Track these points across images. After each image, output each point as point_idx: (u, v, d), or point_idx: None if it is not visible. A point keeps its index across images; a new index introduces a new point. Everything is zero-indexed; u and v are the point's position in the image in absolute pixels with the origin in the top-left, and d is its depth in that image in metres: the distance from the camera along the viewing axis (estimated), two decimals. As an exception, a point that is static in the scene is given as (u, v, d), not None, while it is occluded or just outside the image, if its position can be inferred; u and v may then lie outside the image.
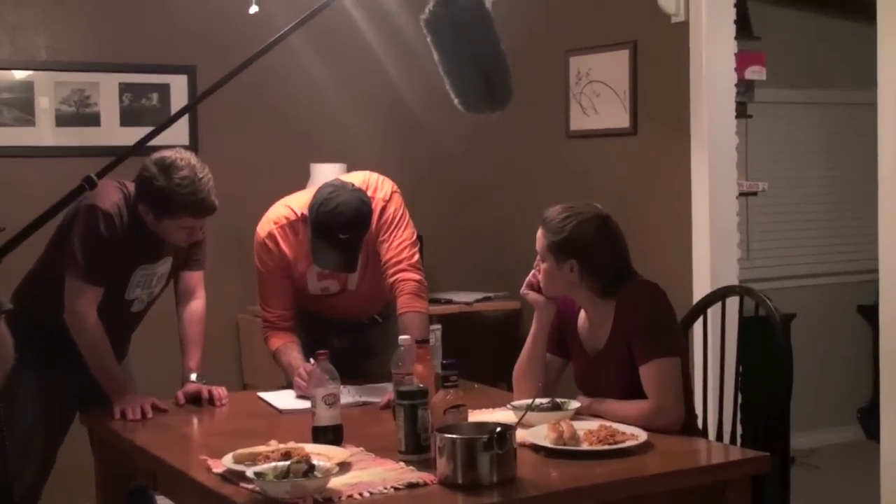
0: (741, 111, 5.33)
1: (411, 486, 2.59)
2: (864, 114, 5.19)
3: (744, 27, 5.57)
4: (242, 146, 5.54)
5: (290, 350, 3.79)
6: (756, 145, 6.39)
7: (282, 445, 2.80)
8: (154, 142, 3.41)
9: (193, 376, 3.69)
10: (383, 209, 3.79)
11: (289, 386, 3.75)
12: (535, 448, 2.86)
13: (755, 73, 5.53)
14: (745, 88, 5.49)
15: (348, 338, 4.01)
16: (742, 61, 5.22)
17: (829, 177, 6.88)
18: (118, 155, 2.38)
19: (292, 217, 3.79)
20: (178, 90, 5.36)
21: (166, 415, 3.50)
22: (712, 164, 4.88)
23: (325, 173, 4.99)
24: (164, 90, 5.36)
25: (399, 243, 3.78)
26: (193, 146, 5.21)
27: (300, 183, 4.90)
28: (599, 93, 5.38)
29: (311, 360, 3.58)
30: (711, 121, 4.88)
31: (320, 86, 5.70)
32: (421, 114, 5.69)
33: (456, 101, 2.47)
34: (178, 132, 5.28)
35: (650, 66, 5.15)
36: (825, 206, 6.89)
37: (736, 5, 4.97)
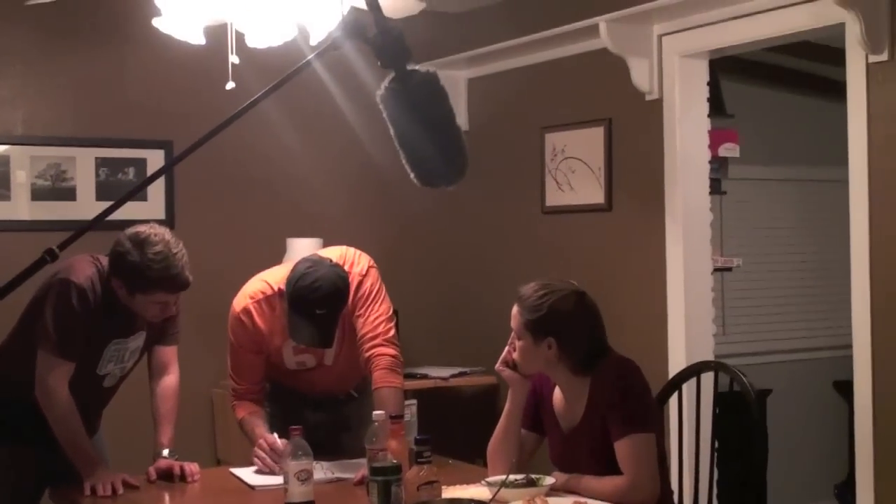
0: (715, 187, 5.34)
1: (384, 563, 2.56)
2: (835, 190, 5.23)
3: (717, 105, 5.62)
4: (219, 221, 5.55)
5: (255, 420, 3.79)
6: (730, 221, 6.42)
7: (253, 522, 2.78)
8: (129, 216, 3.44)
9: (165, 452, 3.65)
10: (360, 284, 3.78)
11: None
12: (510, 525, 2.83)
13: (728, 150, 5.54)
14: (718, 165, 5.49)
15: (323, 413, 3.98)
16: (715, 138, 5.24)
17: (803, 252, 6.93)
18: (95, 228, 2.37)
19: (269, 292, 3.78)
20: (155, 165, 5.37)
21: (137, 491, 3.46)
22: (687, 239, 4.89)
23: (302, 248, 5.00)
24: (140, 165, 5.37)
25: (375, 318, 3.76)
26: (170, 221, 5.26)
27: (276, 258, 4.89)
28: (575, 169, 5.41)
29: (275, 435, 3.59)
30: (686, 197, 4.91)
31: (296, 161, 5.73)
32: (397, 189, 5.67)
33: (412, 175, 2.52)
34: (155, 207, 5.31)
35: (625, 143, 5.18)
36: (800, 282, 6.93)
37: (709, 83, 5.02)
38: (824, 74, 6.41)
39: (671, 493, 3.30)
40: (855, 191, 4.21)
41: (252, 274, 3.92)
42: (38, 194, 5.19)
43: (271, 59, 3.99)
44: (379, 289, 3.82)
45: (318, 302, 3.57)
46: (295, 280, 3.62)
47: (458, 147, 2.55)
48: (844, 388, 5.87)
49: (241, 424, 3.83)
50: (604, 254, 5.26)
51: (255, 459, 3.66)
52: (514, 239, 5.83)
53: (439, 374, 5.73)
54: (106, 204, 2.18)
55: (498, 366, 3.35)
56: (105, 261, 3.55)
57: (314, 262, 3.67)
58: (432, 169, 2.53)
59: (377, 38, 2.34)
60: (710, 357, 4.77)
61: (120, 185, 5.29)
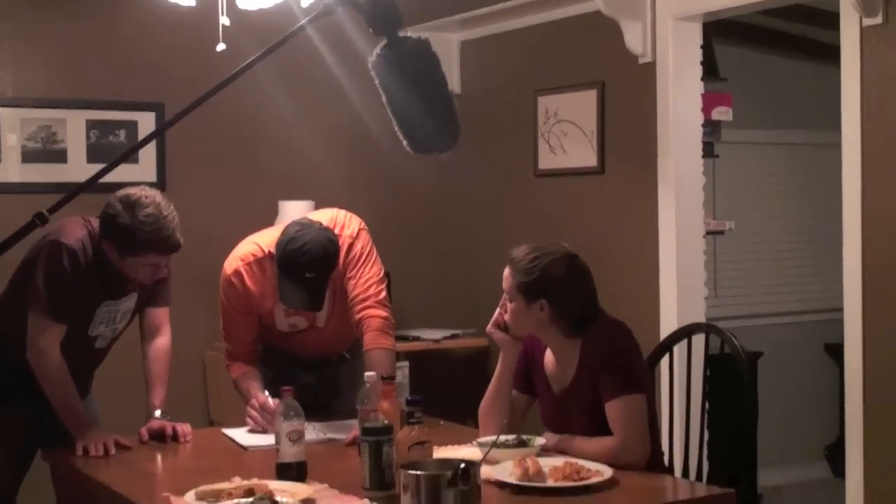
0: (708, 151, 5.35)
1: (375, 522, 2.57)
2: (828, 154, 5.24)
3: (710, 68, 5.61)
4: (211, 183, 5.54)
5: (249, 379, 3.81)
6: (723, 185, 6.44)
7: (245, 482, 2.79)
8: (120, 179, 3.44)
9: (157, 413, 3.66)
10: (350, 246, 3.78)
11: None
12: (500, 485, 2.85)
13: (721, 113, 5.54)
14: (711, 129, 5.51)
15: (315, 374, 4.00)
16: (708, 102, 5.26)
17: (795, 216, 6.94)
18: (85, 191, 2.37)
19: (259, 254, 3.78)
20: (146, 127, 5.34)
21: (129, 451, 3.47)
22: (679, 202, 4.91)
23: (294, 210, 4.99)
24: (131, 127, 5.35)
25: (366, 280, 3.76)
26: (161, 184, 5.23)
27: (268, 220, 4.89)
28: (567, 132, 5.40)
29: (267, 394, 3.63)
30: (678, 160, 4.92)
31: (289, 124, 5.71)
32: (389, 151, 5.66)
33: (404, 142, 2.52)
34: (146, 170, 5.30)
35: (618, 106, 5.18)
36: (792, 245, 6.95)
37: (702, 47, 5.01)
38: (818, 38, 6.39)
39: (661, 454, 3.31)
40: (848, 155, 4.21)
41: (243, 236, 3.92)
42: (28, 156, 5.17)
43: (262, 20, 3.99)
44: (370, 251, 3.82)
45: (307, 265, 3.57)
46: (284, 243, 3.62)
47: (450, 114, 2.56)
48: (835, 351, 5.91)
49: (236, 384, 3.86)
50: (596, 217, 5.27)
51: (248, 419, 3.69)
52: (507, 202, 5.84)
53: (431, 336, 5.74)
54: (97, 166, 2.20)
55: (489, 328, 3.36)
56: (96, 223, 3.55)
57: (304, 226, 3.67)
58: (424, 136, 2.54)
59: (368, 3, 2.34)
60: (701, 319, 4.77)
61: (111, 148, 5.27)
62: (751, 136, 6.62)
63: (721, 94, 5.58)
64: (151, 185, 3.73)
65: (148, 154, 5.36)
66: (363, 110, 5.57)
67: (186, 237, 3.54)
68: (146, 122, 5.36)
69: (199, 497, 2.72)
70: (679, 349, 3.66)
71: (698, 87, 5.01)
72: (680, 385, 3.59)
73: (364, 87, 5.63)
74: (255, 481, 2.81)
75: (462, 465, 2.49)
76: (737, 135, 6.24)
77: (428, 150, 2.61)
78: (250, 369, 3.84)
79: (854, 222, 4.18)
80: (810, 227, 6.91)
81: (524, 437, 3.17)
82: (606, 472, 2.88)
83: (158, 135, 5.15)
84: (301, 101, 5.74)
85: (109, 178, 2.36)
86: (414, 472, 2.52)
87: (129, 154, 5.15)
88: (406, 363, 5.26)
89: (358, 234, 3.82)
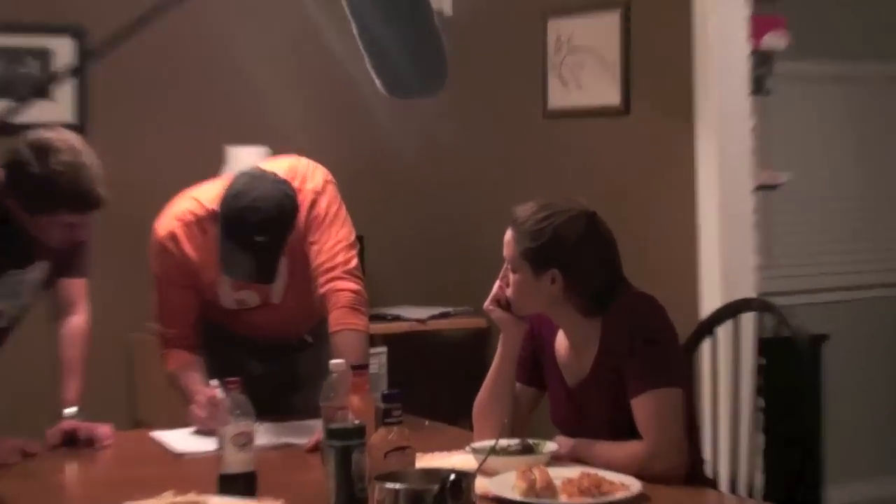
0: (757, 87, 5.34)
1: (342, 549, 2.58)
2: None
3: (760, -15, 5.59)
4: (142, 126, 5.54)
5: (190, 373, 3.78)
6: (776, 128, 6.40)
7: (179, 498, 2.80)
8: (30, 120, 3.39)
9: (70, 411, 3.63)
10: (314, 203, 3.79)
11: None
12: (501, 501, 2.82)
13: (774, 41, 5.58)
14: (761, 60, 5.53)
15: (270, 363, 4.02)
16: (758, 27, 5.27)
17: (866, 165, 6.99)
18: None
19: (200, 212, 3.77)
20: (63, 56, 5.32)
21: (35, 459, 3.45)
22: (722, 150, 4.93)
23: (245, 158, 5.01)
24: (44, 56, 5.34)
25: (333, 245, 3.76)
26: (80, 125, 5.22)
27: (213, 171, 4.84)
28: (584, 63, 5.42)
29: (216, 384, 3.57)
30: (721, 98, 4.94)
31: (240, 52, 5.69)
32: (364, 89, 5.63)
33: (378, 82, 2.48)
34: (61, 108, 5.31)
35: (646, 32, 5.20)
36: (863, 202, 6.98)
37: (750, -42, 5.00)
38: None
39: (702, 461, 3.31)
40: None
41: (181, 190, 3.90)
42: (-85, 92, 5.18)
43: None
44: (338, 209, 3.82)
45: (256, 226, 3.57)
46: (230, 198, 3.62)
47: (435, 51, 2.52)
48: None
49: (172, 379, 3.84)
50: (620, 167, 5.30)
51: (192, 419, 3.68)
52: (509, 149, 5.86)
53: (415, 315, 5.76)
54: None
55: (487, 304, 3.35)
56: (0, 173, 3.51)
57: (254, 177, 3.67)
58: (402, 77, 2.51)
59: None
60: (751, 294, 4.80)
61: (18, 81, 5.23)
62: (809, 70, 6.63)
63: (773, 17, 5.62)
64: (69, 126, 3.78)
65: (65, 89, 5.33)
66: (333, 38, 5.54)
67: (111, 191, 3.51)
68: (62, 50, 5.34)
69: (121, 517, 2.69)
70: (724, 331, 3.65)
71: (745, 9, 5.01)
72: (725, 376, 3.59)
73: (334, 9, 5.62)
74: (191, 497, 2.81)
75: (452, 477, 2.47)
76: (792, 67, 6.21)
77: (407, 95, 2.59)
78: (191, 359, 3.83)
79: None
80: (885, 179, 6.94)
81: (531, 441, 3.15)
82: (634, 485, 2.86)
83: (80, 68, 5.14)
84: (258, 29, 5.74)
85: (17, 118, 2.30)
86: (391, 485, 2.51)
87: (41, 89, 5.12)
88: (383, 349, 5.30)
89: (323, 188, 3.83)
